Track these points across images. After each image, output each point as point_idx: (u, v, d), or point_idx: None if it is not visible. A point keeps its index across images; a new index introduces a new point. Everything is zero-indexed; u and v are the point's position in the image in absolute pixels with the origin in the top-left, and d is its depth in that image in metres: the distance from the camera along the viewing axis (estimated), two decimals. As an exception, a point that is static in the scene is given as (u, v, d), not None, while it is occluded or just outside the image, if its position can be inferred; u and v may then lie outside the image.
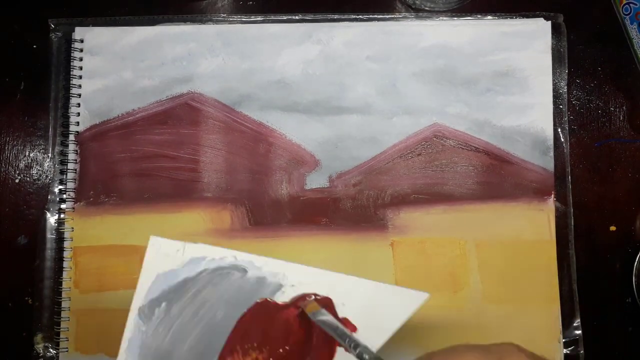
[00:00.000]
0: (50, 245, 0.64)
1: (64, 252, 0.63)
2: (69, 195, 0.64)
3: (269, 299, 0.53)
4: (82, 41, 0.66)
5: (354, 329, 0.53)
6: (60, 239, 0.64)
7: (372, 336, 0.52)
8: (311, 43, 0.65)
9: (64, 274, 0.63)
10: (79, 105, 0.65)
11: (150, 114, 0.65)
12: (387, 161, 0.64)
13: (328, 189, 0.64)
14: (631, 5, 0.65)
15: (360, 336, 0.51)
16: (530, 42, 0.65)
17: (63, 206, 0.64)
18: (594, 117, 0.67)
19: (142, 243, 0.63)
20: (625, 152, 0.66)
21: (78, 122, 0.65)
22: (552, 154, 0.64)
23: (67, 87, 0.65)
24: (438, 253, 0.64)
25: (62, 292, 0.63)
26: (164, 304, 0.53)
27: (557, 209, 0.64)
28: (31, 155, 0.66)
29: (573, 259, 0.64)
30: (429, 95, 0.65)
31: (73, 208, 0.64)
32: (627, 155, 0.66)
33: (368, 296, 0.54)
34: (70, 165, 0.64)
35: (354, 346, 0.47)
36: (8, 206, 0.66)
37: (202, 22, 0.66)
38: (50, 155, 0.65)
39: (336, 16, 0.66)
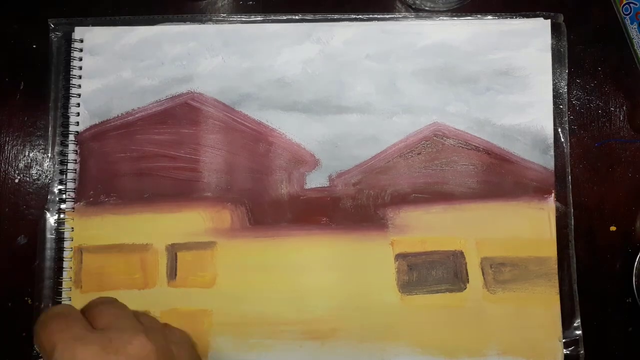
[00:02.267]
0: (50, 245, 0.64)
1: (64, 252, 0.63)
2: (68, 195, 0.64)
3: None
4: (81, 41, 0.66)
5: None
6: (60, 239, 0.64)
7: None
8: (311, 42, 0.65)
9: (64, 274, 0.63)
10: (78, 105, 0.65)
11: (150, 114, 0.65)
12: (387, 160, 0.64)
13: (328, 188, 0.64)
14: (631, 5, 0.65)
15: None
16: (530, 40, 0.65)
17: (63, 206, 0.64)
18: (594, 117, 0.67)
19: (142, 242, 0.63)
20: (625, 152, 0.66)
21: (78, 122, 0.65)
22: (552, 152, 0.64)
23: (67, 87, 0.65)
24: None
25: (62, 292, 0.63)
26: None
27: (557, 209, 0.64)
28: (31, 155, 0.66)
29: (573, 259, 0.64)
30: (428, 94, 0.65)
31: (73, 208, 0.64)
32: (627, 155, 0.66)
33: None
34: (70, 165, 0.64)
35: None
36: (8, 206, 0.65)
37: (201, 22, 0.66)
38: (50, 155, 0.65)
39: (336, 16, 0.66)
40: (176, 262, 0.63)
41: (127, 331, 0.42)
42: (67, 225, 0.64)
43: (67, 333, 0.40)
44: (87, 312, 0.45)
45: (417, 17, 0.67)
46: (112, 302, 0.46)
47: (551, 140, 0.64)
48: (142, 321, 0.45)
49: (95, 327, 0.43)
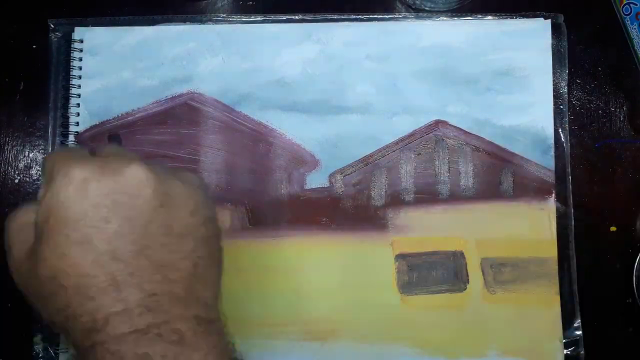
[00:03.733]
0: (49, 245, 0.64)
1: (64, 252, 0.63)
2: (68, 195, 0.64)
3: None
4: (81, 41, 0.66)
5: None
6: (59, 239, 0.63)
7: None
8: (311, 43, 0.65)
9: (64, 274, 0.63)
10: (78, 105, 0.65)
11: (150, 114, 0.65)
12: (387, 160, 0.64)
13: (328, 188, 0.64)
14: (631, 5, 0.65)
15: None
16: (530, 40, 0.65)
17: (62, 206, 0.64)
18: (594, 118, 0.67)
19: (141, 243, 0.63)
20: (625, 152, 0.66)
21: (78, 122, 0.65)
22: (552, 152, 0.64)
23: (67, 87, 0.65)
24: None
25: (62, 293, 0.63)
26: None
27: (557, 209, 0.64)
28: (31, 155, 0.66)
29: (573, 259, 0.64)
30: (429, 95, 0.65)
31: (72, 208, 0.64)
32: (628, 156, 0.66)
33: None
34: (70, 166, 0.64)
35: None
36: (8, 206, 0.65)
37: (201, 22, 0.66)
38: (49, 155, 0.65)
39: (336, 16, 0.66)
40: (176, 262, 0.63)
41: (126, 158, 0.41)
42: (66, 226, 0.64)
43: (67, 157, 0.41)
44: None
45: (417, 17, 0.67)
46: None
47: (551, 140, 0.64)
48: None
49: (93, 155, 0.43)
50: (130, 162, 0.40)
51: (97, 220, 0.38)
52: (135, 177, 0.40)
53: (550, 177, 0.64)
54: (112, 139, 0.64)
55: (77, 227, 0.37)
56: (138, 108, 0.65)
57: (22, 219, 0.42)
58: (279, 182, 0.64)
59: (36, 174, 0.66)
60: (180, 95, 0.65)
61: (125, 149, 0.45)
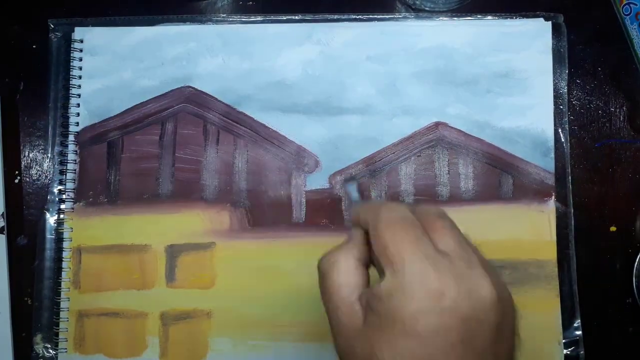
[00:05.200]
0: (49, 245, 0.64)
1: (64, 252, 0.63)
2: (68, 195, 0.64)
3: None
4: (81, 41, 0.66)
5: None
6: (59, 239, 0.64)
7: None
8: (311, 43, 0.65)
9: (64, 274, 0.63)
10: (78, 105, 0.65)
11: (150, 114, 0.65)
12: (387, 162, 0.64)
13: (328, 189, 0.64)
14: (631, 5, 0.65)
15: None
16: (530, 42, 0.65)
17: (62, 206, 0.64)
18: (594, 118, 0.67)
19: (141, 243, 0.63)
20: (625, 152, 0.66)
21: (77, 123, 0.65)
22: (552, 154, 0.64)
23: (67, 87, 0.65)
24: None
25: (62, 293, 0.63)
26: None
27: (557, 210, 0.64)
28: (31, 155, 0.66)
29: (573, 260, 0.64)
30: (429, 96, 0.65)
31: (72, 208, 0.64)
32: (628, 156, 0.66)
33: None
34: (70, 166, 0.64)
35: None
36: (8, 207, 0.65)
37: (201, 22, 0.66)
38: (49, 155, 0.65)
39: (336, 16, 0.66)
40: (175, 262, 0.63)
41: (475, 269, 0.38)
42: (66, 226, 0.64)
43: (417, 247, 0.37)
44: (417, 217, 0.40)
45: (417, 17, 0.67)
46: (445, 215, 0.42)
47: (551, 142, 0.64)
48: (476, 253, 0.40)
49: (435, 245, 0.38)
50: (482, 277, 0.37)
51: (444, 344, 0.35)
52: (487, 299, 0.37)
53: (550, 180, 0.64)
54: (350, 181, 0.64)
55: (423, 342, 0.35)
56: (138, 108, 0.65)
57: (344, 268, 0.40)
58: (278, 183, 0.64)
59: (36, 173, 0.66)
60: (180, 96, 0.65)
61: (457, 228, 0.42)
